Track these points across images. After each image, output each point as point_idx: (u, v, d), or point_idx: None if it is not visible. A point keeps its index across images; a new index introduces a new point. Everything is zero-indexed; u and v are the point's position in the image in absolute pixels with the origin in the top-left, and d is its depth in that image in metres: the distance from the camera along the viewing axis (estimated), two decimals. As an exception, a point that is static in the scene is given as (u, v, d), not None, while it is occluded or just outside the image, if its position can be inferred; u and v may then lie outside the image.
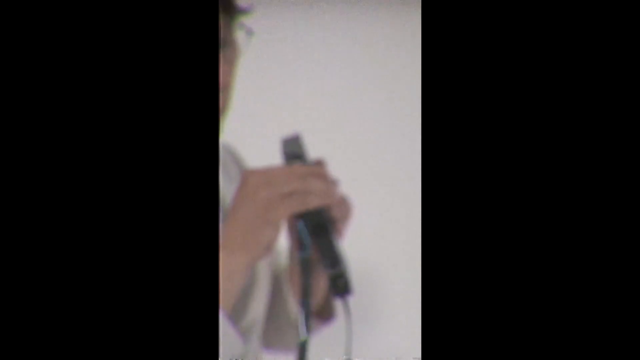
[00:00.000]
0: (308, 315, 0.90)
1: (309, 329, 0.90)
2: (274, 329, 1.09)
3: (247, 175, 0.86)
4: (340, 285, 0.90)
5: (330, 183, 0.89)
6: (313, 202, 0.86)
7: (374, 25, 1.69)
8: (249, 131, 1.37)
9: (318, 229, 0.89)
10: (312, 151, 0.94)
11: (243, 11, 0.96)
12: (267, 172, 0.86)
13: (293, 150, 0.91)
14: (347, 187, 0.96)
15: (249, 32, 0.96)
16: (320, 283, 1.03)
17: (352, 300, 0.90)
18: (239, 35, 0.96)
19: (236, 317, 0.93)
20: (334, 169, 0.91)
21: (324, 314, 1.06)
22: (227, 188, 1.04)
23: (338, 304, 1.10)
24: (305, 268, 0.90)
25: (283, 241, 0.96)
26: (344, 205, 0.91)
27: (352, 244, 0.98)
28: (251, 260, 0.87)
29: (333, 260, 0.90)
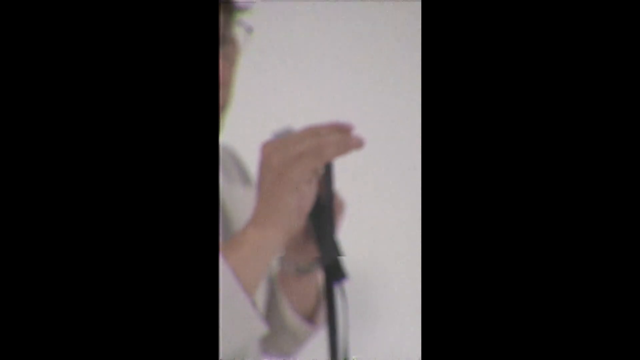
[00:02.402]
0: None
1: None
2: (268, 335, 1.08)
3: (262, 147, 0.84)
4: (335, 270, 0.89)
5: (346, 133, 0.84)
6: (329, 154, 0.82)
7: (374, 22, 1.69)
8: (249, 128, 1.36)
9: (315, 211, 0.88)
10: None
11: (242, 8, 0.95)
12: (280, 139, 0.84)
13: None
14: (346, 186, 0.96)
15: (248, 29, 0.96)
16: (311, 287, 1.03)
17: (351, 301, 0.90)
18: (239, 33, 0.96)
19: None
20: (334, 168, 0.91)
21: (316, 319, 1.06)
22: (227, 189, 1.03)
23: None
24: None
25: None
26: (337, 200, 0.90)
27: (351, 244, 0.97)
28: (282, 233, 0.83)
29: (329, 245, 0.89)
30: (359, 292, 0.92)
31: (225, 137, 0.99)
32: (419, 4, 0.78)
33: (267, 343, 1.10)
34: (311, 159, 0.81)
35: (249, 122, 1.37)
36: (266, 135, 0.97)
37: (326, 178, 0.86)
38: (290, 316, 1.03)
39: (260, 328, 0.84)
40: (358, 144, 0.83)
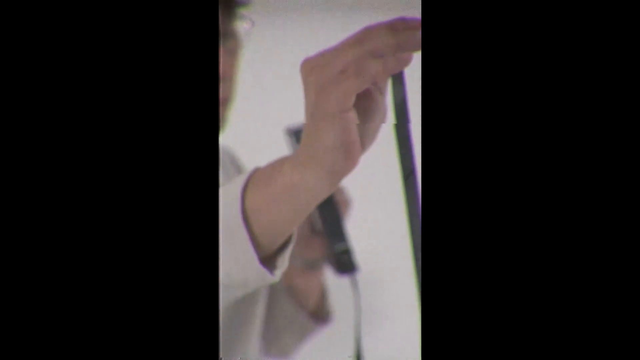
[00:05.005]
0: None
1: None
2: (271, 331, 1.08)
3: (301, 65, 0.61)
4: (345, 262, 0.88)
5: (401, 35, 0.61)
6: (374, 72, 0.59)
7: (374, 18, 1.69)
8: (248, 127, 1.36)
9: (325, 203, 0.85)
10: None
11: (242, 3, 0.95)
12: (320, 53, 0.61)
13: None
14: (346, 186, 0.95)
15: (250, 24, 0.95)
16: (316, 283, 1.03)
17: (350, 301, 0.89)
18: (240, 27, 0.95)
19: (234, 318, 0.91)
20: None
21: (321, 315, 1.05)
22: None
23: (334, 304, 1.10)
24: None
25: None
26: (343, 195, 0.89)
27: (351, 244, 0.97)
28: (325, 174, 0.61)
29: (338, 235, 0.87)
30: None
31: (226, 135, 0.98)
32: (419, 3, 0.77)
33: (270, 341, 1.09)
34: (352, 79, 0.58)
35: (248, 121, 1.37)
36: (266, 133, 0.96)
37: (396, 99, 0.63)
38: (295, 312, 1.02)
39: (259, 272, 0.67)
40: (415, 46, 0.62)
